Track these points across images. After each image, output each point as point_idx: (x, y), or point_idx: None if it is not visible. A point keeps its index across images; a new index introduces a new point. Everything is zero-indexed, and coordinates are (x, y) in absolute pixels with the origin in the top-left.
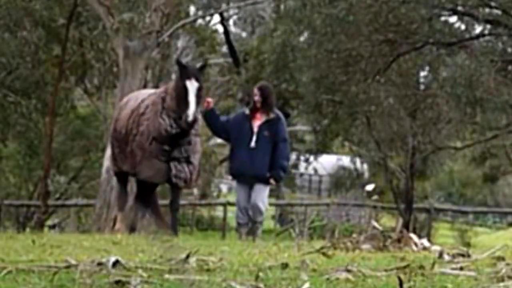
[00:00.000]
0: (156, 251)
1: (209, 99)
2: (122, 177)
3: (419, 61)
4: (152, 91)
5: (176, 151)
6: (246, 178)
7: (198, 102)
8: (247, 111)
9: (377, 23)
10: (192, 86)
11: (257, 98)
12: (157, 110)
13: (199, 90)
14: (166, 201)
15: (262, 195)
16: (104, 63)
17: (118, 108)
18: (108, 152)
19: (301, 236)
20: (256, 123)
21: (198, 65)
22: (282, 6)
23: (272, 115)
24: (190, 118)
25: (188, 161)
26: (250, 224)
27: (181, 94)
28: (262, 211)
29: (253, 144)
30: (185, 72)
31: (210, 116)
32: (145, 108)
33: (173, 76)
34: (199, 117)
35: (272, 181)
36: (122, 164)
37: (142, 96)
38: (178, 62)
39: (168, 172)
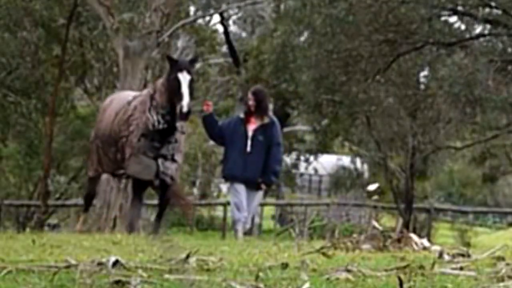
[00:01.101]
0: (156, 251)
1: (209, 102)
2: (97, 179)
3: (419, 61)
4: (135, 93)
5: (164, 149)
6: (239, 181)
7: (191, 94)
8: (241, 115)
9: (377, 23)
10: (184, 78)
11: (251, 102)
12: (145, 108)
13: (191, 82)
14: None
15: (252, 204)
16: (104, 63)
17: (102, 110)
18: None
19: (301, 236)
20: (251, 127)
21: (189, 58)
22: (282, 6)
23: (266, 120)
24: (185, 108)
25: (173, 159)
26: (247, 224)
27: (174, 87)
28: (247, 219)
29: (248, 148)
30: (176, 65)
31: (208, 120)
32: (133, 109)
33: None
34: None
35: (263, 186)
36: (107, 167)
37: (126, 98)
38: (168, 57)
39: (156, 169)
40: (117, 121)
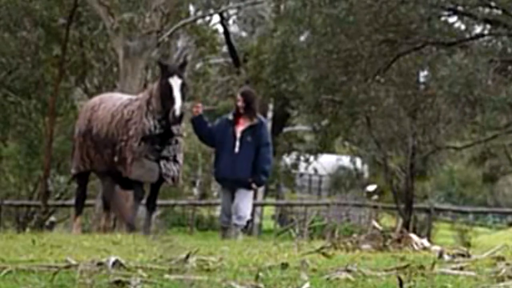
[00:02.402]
0: (156, 251)
1: (199, 105)
2: (84, 179)
3: (419, 61)
4: (126, 96)
5: (165, 150)
6: (229, 182)
7: (183, 98)
8: (230, 117)
9: (377, 23)
10: (175, 82)
11: (240, 103)
12: (142, 113)
13: (182, 86)
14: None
15: (244, 200)
16: (104, 63)
17: (89, 109)
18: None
19: (301, 236)
20: (239, 129)
21: (178, 63)
22: (282, 6)
23: (255, 121)
24: (178, 112)
25: (175, 160)
26: (242, 221)
27: (166, 92)
28: (243, 215)
29: (236, 149)
30: (167, 71)
31: (197, 122)
32: (131, 113)
33: None
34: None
35: (254, 185)
36: (99, 166)
37: (120, 100)
38: (159, 63)
39: (158, 171)
40: (115, 123)
